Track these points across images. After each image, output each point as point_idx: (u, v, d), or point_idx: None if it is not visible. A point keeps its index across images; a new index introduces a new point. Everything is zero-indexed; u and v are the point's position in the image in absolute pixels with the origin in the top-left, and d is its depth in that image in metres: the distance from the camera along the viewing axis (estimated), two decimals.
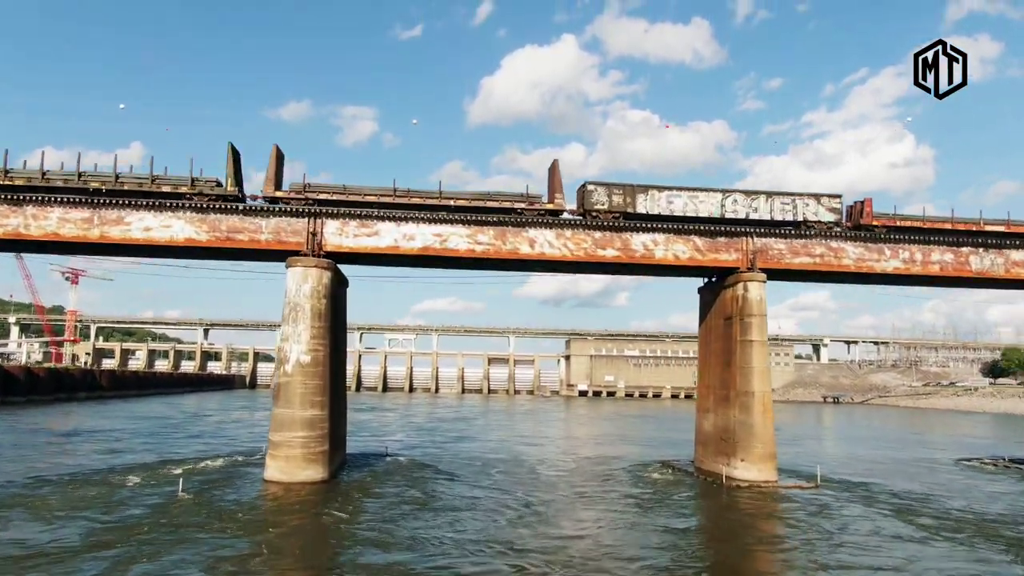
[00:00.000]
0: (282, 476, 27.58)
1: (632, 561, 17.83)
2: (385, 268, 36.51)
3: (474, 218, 31.01)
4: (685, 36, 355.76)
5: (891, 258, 33.78)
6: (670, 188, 32.36)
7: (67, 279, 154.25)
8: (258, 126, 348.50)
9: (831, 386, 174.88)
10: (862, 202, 33.58)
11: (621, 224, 31.70)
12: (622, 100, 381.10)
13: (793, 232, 32.86)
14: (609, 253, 31.98)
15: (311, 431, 28.33)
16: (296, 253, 29.88)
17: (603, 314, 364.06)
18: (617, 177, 32.60)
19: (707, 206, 32.15)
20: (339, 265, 32.23)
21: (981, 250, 34.37)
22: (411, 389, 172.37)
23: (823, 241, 33.19)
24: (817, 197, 33.28)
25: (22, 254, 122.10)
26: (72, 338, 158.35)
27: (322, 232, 30.41)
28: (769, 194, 33.04)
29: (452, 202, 30.81)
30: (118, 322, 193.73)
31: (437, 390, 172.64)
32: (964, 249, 34.27)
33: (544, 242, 31.59)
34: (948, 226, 33.72)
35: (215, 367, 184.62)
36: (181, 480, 25.92)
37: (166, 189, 29.32)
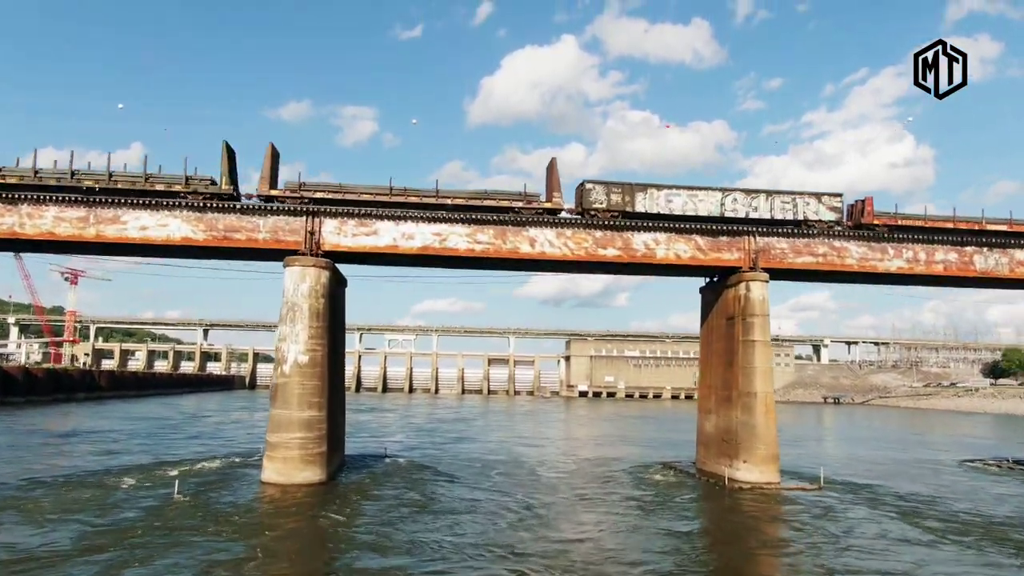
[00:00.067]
0: (279, 478, 27.28)
1: (635, 566, 17.50)
2: (385, 268, 36.23)
3: (474, 217, 30.71)
4: (685, 36, 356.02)
5: (895, 257, 33.49)
6: (669, 187, 32.09)
7: (66, 279, 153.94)
8: (258, 126, 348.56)
9: (831, 387, 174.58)
10: (863, 201, 33.29)
11: (622, 223, 31.41)
12: (622, 100, 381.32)
13: (796, 231, 32.56)
14: (610, 252, 31.68)
15: (309, 432, 28.01)
16: (294, 252, 29.59)
17: (603, 314, 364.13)
18: (617, 177, 32.35)
19: (706, 205, 31.86)
20: (338, 264, 31.95)
21: (985, 249, 34.07)
22: (411, 390, 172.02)
23: (826, 240, 32.89)
24: (818, 196, 32.98)
25: (21, 254, 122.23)
26: (71, 339, 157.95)
27: (320, 231, 30.11)
28: (769, 193, 32.75)
29: (449, 201, 30.51)
30: (117, 323, 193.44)
31: (437, 391, 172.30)
32: (968, 249, 33.98)
33: (544, 241, 31.29)
34: (950, 225, 33.44)
35: (215, 368, 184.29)
36: (177, 482, 25.59)
37: (160, 188, 29.03)
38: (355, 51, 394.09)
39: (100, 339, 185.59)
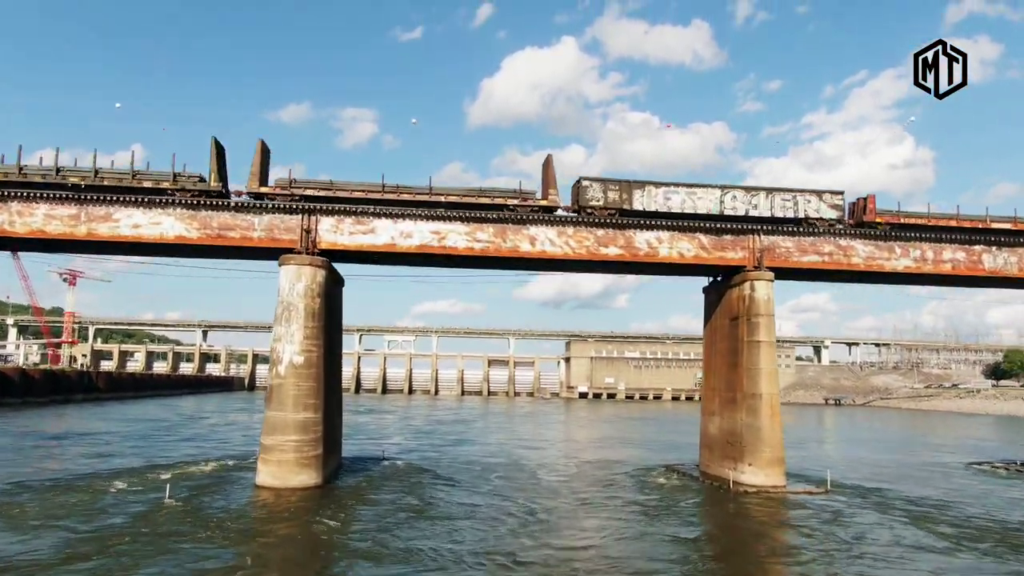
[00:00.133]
0: (274, 481, 26.68)
1: (640, 575, 16.83)
2: (384, 268, 35.67)
3: (473, 215, 30.13)
4: (685, 38, 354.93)
5: (901, 257, 32.93)
6: (667, 184, 31.55)
7: (65, 280, 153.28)
8: (258, 128, 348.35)
9: (832, 388, 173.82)
10: (865, 199, 32.74)
11: (624, 221, 30.82)
12: (622, 102, 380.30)
13: (801, 230, 31.95)
14: (612, 251, 31.08)
15: (304, 435, 27.40)
16: (290, 251, 29.01)
17: (603, 316, 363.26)
18: (617, 178, 31.66)
19: (705, 202, 31.29)
20: (334, 264, 31.37)
21: (994, 248, 33.51)
22: (410, 391, 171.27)
23: (832, 239, 32.31)
24: (819, 193, 32.41)
25: (19, 255, 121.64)
26: (70, 340, 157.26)
27: (316, 229, 29.54)
28: (769, 190, 32.15)
29: (443, 198, 29.91)
30: (116, 324, 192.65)
31: (437, 392, 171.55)
32: (976, 248, 33.41)
33: (545, 240, 30.68)
34: (954, 223, 32.94)
35: (214, 369, 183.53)
36: (168, 486, 24.93)
37: (147, 185, 28.49)
38: (355, 53, 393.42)
39: (99, 340, 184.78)
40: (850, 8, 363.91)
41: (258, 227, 29.40)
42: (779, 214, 31.68)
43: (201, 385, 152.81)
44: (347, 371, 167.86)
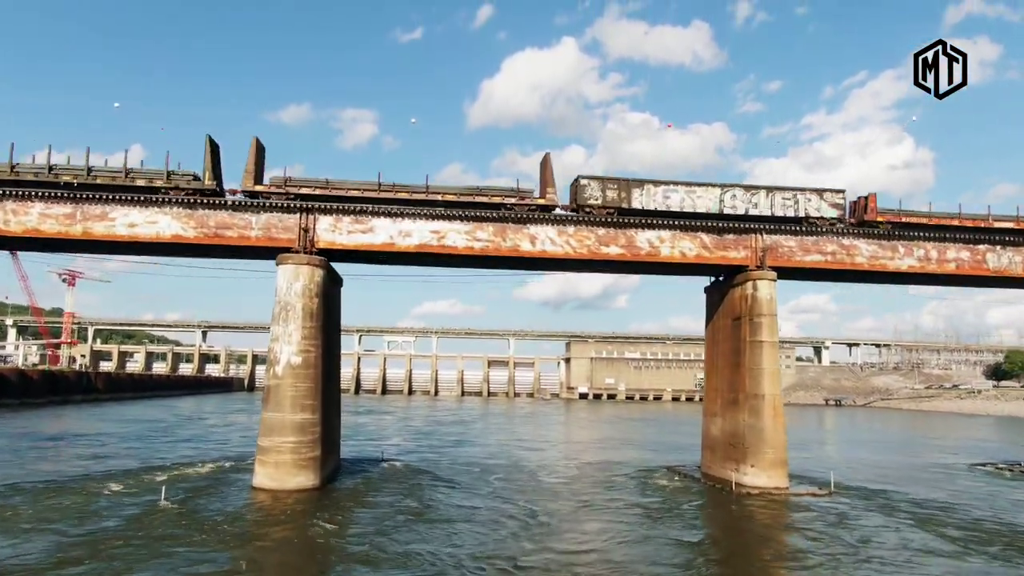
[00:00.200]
0: (271, 483, 26.35)
1: None
2: (384, 267, 35.35)
3: (473, 214, 29.81)
4: (685, 38, 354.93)
5: (905, 256, 32.61)
6: (666, 182, 31.26)
7: (64, 281, 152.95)
8: (258, 128, 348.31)
9: (833, 389, 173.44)
10: (866, 198, 32.41)
11: (625, 220, 30.48)
12: (622, 102, 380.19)
13: (804, 229, 31.64)
14: (613, 250, 30.76)
15: (302, 436, 27.08)
16: (287, 250, 28.70)
17: (603, 316, 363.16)
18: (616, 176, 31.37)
19: (705, 201, 30.98)
20: (333, 263, 31.08)
21: (998, 248, 33.20)
22: (410, 392, 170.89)
23: (835, 238, 31.99)
24: (820, 192, 32.08)
25: (18, 255, 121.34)
26: (69, 340, 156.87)
27: (314, 228, 29.21)
28: (769, 189, 31.82)
29: (440, 196, 29.58)
30: (116, 324, 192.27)
31: (436, 393, 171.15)
32: (981, 247, 33.10)
33: (545, 239, 30.35)
34: (956, 222, 32.63)
35: (213, 369, 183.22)
36: (163, 488, 24.57)
37: (141, 183, 28.15)
38: (355, 54, 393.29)
39: (98, 341, 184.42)
40: (850, 9, 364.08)
41: (255, 226, 29.08)
42: (779, 213, 31.36)
43: (200, 386, 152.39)
44: (347, 372, 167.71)
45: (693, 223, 31.03)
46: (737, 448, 30.56)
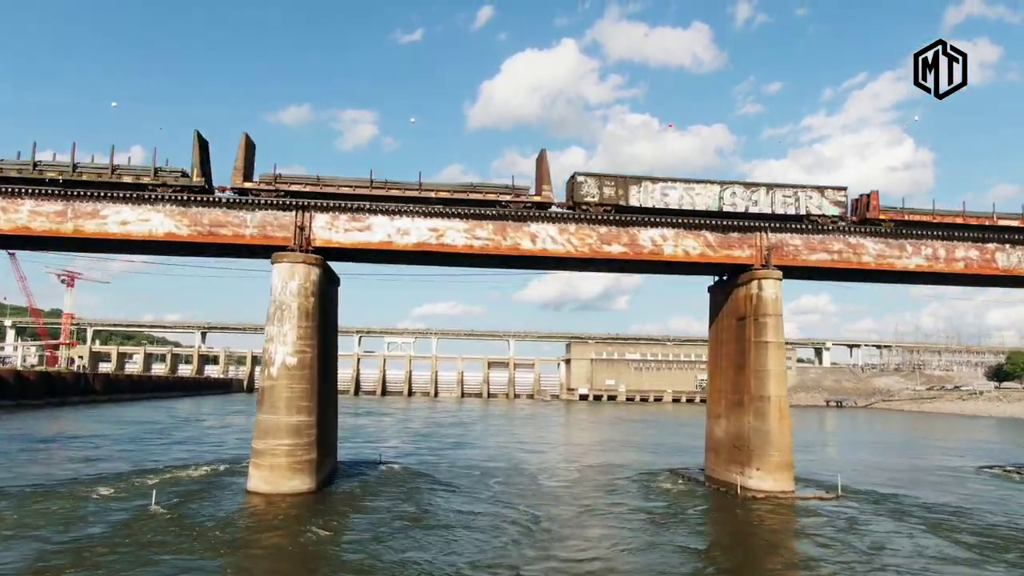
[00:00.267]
0: (266, 487, 25.74)
1: None
2: (383, 267, 34.83)
3: (472, 212, 29.22)
4: (685, 40, 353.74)
5: (913, 255, 32.03)
6: (664, 180, 30.66)
7: (63, 282, 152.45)
8: (259, 129, 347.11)
9: (834, 390, 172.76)
10: (868, 195, 31.80)
11: (628, 218, 29.87)
12: (622, 104, 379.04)
13: (809, 227, 31.03)
14: (615, 249, 30.15)
15: (297, 438, 26.46)
16: (283, 248, 28.07)
17: (603, 318, 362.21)
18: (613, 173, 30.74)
19: (704, 199, 30.40)
20: (330, 262, 30.47)
21: (1007, 246, 32.64)
22: (410, 393, 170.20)
23: (841, 237, 31.40)
24: (821, 189, 31.47)
25: (16, 256, 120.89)
26: (68, 341, 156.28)
27: (310, 226, 28.62)
28: (770, 186, 31.21)
29: (434, 194, 28.98)
30: (115, 325, 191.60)
31: (436, 394, 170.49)
32: (990, 245, 32.55)
33: (546, 237, 29.75)
34: (960, 220, 32.06)
35: (212, 370, 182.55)
36: (154, 492, 23.85)
37: (128, 179, 27.56)
38: (355, 55, 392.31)
39: (97, 342, 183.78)
40: (849, 11, 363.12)
41: (250, 224, 28.49)
42: (780, 211, 30.75)
43: (199, 387, 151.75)
44: (346, 373, 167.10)
45: (696, 221, 30.42)
46: (742, 451, 29.95)
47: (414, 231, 29.13)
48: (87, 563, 16.29)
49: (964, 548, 20.04)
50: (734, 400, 31.30)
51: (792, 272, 31.70)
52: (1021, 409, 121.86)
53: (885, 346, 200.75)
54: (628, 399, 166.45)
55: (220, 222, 28.33)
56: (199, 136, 27.71)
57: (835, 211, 31.14)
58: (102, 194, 27.57)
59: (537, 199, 29.40)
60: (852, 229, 31.25)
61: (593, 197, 29.71)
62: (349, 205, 28.79)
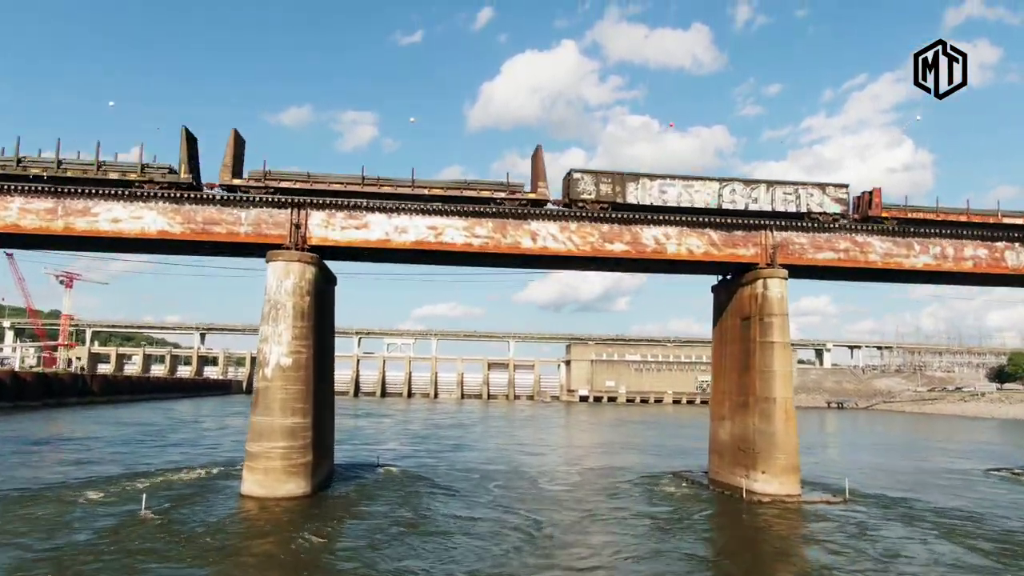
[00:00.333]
0: (260, 491, 25.11)
1: None
2: (382, 265, 34.20)
3: (471, 209, 28.62)
4: (685, 42, 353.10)
5: (921, 254, 31.39)
6: (663, 176, 30.05)
7: (61, 283, 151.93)
8: (259, 130, 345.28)
9: (835, 391, 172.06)
10: (870, 193, 31.16)
11: (624, 216, 29.22)
12: (622, 105, 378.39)
13: (815, 225, 30.41)
14: (618, 247, 29.52)
15: (292, 441, 25.83)
16: (278, 247, 27.46)
17: (603, 319, 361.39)
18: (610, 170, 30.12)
19: (703, 196, 29.80)
20: (326, 261, 29.83)
21: (1017, 244, 31.99)
22: (410, 394, 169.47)
23: (847, 235, 30.78)
24: (822, 186, 30.83)
25: (14, 256, 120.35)
26: (67, 342, 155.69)
27: (306, 224, 28.00)
28: (770, 183, 30.58)
29: (427, 191, 28.35)
30: (114, 326, 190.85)
31: (436, 395, 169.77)
32: (999, 244, 31.91)
33: (547, 235, 29.12)
34: (964, 218, 31.38)
35: (212, 372, 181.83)
36: (144, 496, 23.17)
37: (114, 176, 26.94)
38: (356, 56, 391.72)
39: (96, 343, 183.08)
40: (849, 12, 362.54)
41: (245, 222, 27.90)
42: (780, 208, 30.11)
43: (199, 388, 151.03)
44: (346, 374, 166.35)
45: (700, 219, 29.78)
46: (747, 453, 29.31)
47: (412, 229, 28.51)
48: (68, 572, 15.61)
49: (981, 555, 19.36)
50: (738, 402, 30.67)
51: (798, 271, 31.07)
52: (1023, 410, 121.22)
53: (886, 347, 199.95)
54: (628, 400, 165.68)
55: (214, 220, 27.74)
56: (187, 132, 27.11)
57: (837, 208, 30.54)
58: (93, 191, 26.98)
59: (532, 196, 28.78)
60: (858, 227, 30.63)
61: (589, 194, 29.10)
62: (346, 203, 28.19)
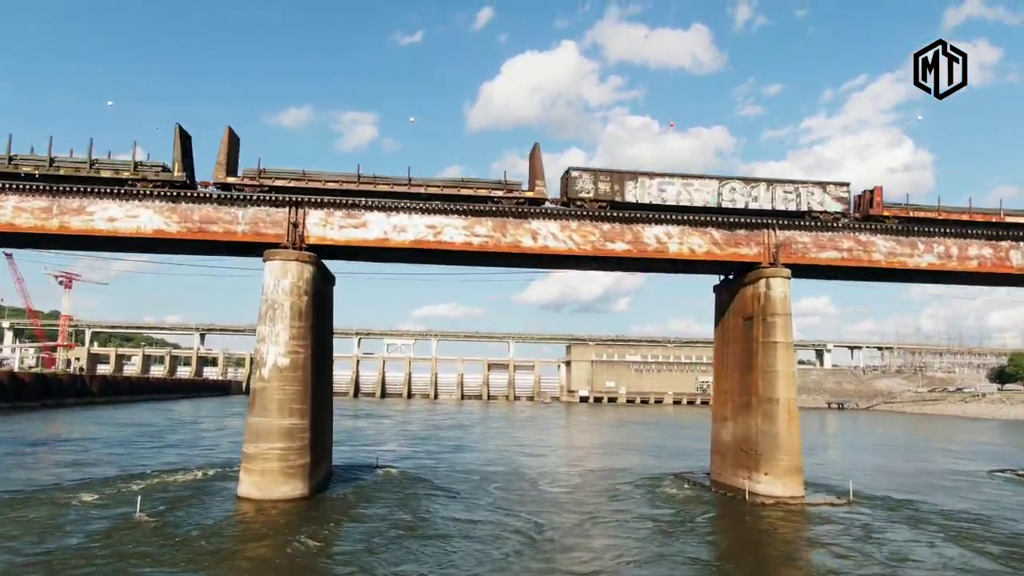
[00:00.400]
0: (257, 493, 24.81)
1: None
2: (382, 265, 33.93)
3: (471, 208, 28.31)
4: (685, 42, 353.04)
5: (925, 253, 31.08)
6: (662, 175, 29.74)
7: (60, 283, 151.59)
8: (259, 131, 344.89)
9: (835, 392, 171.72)
10: (871, 191, 30.87)
11: (622, 215, 28.91)
12: (622, 106, 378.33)
13: (818, 224, 30.11)
14: (619, 247, 29.21)
15: (290, 442, 25.52)
16: (275, 246, 27.15)
17: (604, 319, 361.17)
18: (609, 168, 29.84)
19: (702, 194, 29.52)
20: (324, 260, 29.52)
21: (1022, 244, 31.64)
22: (410, 395, 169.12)
23: (851, 234, 30.48)
24: (823, 185, 30.51)
25: (13, 256, 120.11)
26: (66, 343, 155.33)
27: (304, 223, 27.71)
28: (770, 182, 30.29)
29: (424, 189, 28.07)
30: (114, 327, 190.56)
31: (436, 396, 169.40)
32: (1004, 243, 31.59)
33: (548, 234, 28.81)
34: (966, 217, 31.08)
35: (211, 372, 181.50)
36: (140, 499, 22.86)
37: (106, 174, 26.65)
38: (356, 56, 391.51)
39: (95, 344, 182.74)
40: (849, 12, 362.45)
41: (242, 220, 27.59)
42: (780, 207, 29.82)
43: (198, 389, 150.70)
44: (346, 375, 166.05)
45: (702, 218, 29.47)
46: (749, 455, 29.00)
47: (411, 228, 28.22)
48: None
49: (990, 559, 19.02)
50: (741, 402, 30.36)
51: (801, 271, 30.79)
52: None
53: (886, 348, 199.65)
54: (628, 401, 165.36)
55: (211, 219, 27.44)
56: (181, 130, 26.83)
57: (837, 207, 30.24)
58: (88, 190, 26.70)
59: (530, 195, 28.48)
60: (861, 226, 30.33)
61: (588, 193, 28.81)
62: (344, 201, 27.90)
